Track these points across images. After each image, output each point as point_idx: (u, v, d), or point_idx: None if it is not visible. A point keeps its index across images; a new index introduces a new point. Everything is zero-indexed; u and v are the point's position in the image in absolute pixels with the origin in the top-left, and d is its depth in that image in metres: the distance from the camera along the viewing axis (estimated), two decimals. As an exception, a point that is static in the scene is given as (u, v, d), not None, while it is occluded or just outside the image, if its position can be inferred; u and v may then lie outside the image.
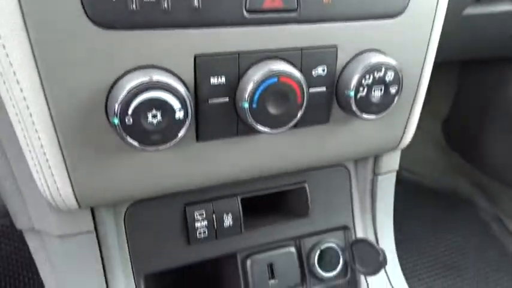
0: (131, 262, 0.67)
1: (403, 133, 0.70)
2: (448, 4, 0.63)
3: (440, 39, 0.64)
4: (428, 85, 0.69)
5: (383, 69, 0.58)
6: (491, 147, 1.57)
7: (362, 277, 0.80)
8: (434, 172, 1.87)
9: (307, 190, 0.75)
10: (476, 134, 1.60)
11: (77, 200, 0.54)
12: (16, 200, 0.63)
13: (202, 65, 0.51)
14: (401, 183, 0.88)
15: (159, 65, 0.49)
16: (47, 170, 0.51)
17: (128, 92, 0.46)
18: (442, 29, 0.64)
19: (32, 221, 0.64)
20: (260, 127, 0.54)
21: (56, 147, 0.49)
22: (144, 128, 0.48)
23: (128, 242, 0.66)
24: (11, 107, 0.48)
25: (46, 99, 0.46)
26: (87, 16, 0.44)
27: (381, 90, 0.59)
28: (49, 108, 0.47)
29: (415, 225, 1.64)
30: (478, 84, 1.56)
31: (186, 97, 0.48)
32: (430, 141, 1.87)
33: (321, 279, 0.79)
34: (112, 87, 0.48)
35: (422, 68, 0.65)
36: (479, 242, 1.62)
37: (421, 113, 0.72)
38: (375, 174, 0.79)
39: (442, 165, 1.88)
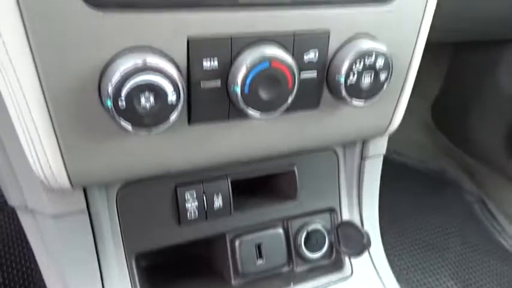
0: (123, 242, 0.67)
1: (391, 119, 0.71)
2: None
3: (432, 20, 0.65)
4: (419, 67, 0.69)
5: (373, 56, 0.58)
6: (478, 131, 1.58)
7: (346, 258, 0.82)
8: (422, 154, 1.89)
9: (296, 173, 0.76)
10: (464, 116, 1.61)
11: (69, 179, 0.54)
12: (8, 177, 0.63)
13: (196, 47, 0.51)
14: (388, 164, 0.90)
15: (152, 46, 0.49)
16: (39, 148, 0.51)
17: (122, 75, 0.45)
18: (435, 11, 0.64)
19: (24, 198, 0.64)
20: (251, 111, 0.55)
21: (49, 125, 0.49)
22: (137, 111, 0.47)
23: (119, 222, 0.67)
24: (1, 80, 0.48)
25: (38, 76, 0.46)
26: None
27: (371, 76, 0.60)
28: (41, 86, 0.47)
29: (401, 206, 1.66)
30: (469, 67, 1.56)
31: (178, 81, 0.48)
32: (418, 123, 1.88)
33: (307, 260, 0.81)
34: (105, 68, 0.47)
35: (413, 54, 0.66)
36: (463, 224, 1.66)
37: (411, 95, 0.72)
38: (363, 158, 0.80)
39: (429, 147, 1.89)
